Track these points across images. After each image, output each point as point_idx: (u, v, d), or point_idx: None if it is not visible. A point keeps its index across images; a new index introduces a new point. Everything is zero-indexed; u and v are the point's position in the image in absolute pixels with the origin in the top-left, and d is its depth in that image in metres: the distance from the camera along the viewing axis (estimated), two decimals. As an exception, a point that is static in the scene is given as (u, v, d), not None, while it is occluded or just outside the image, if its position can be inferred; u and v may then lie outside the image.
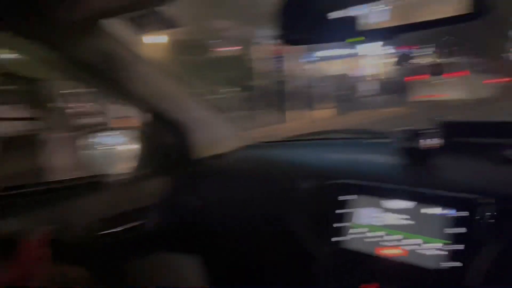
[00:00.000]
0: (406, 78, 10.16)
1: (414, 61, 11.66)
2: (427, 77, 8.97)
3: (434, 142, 0.81)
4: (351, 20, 0.69)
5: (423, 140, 0.81)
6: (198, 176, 1.09)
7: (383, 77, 13.67)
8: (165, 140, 1.09)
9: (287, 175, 0.94)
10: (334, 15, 0.71)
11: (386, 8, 0.68)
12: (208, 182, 1.07)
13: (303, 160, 1.02)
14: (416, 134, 0.82)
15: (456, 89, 8.74)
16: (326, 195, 0.83)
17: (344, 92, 11.99)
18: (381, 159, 0.91)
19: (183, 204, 1.05)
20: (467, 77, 8.88)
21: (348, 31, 0.70)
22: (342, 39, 0.75)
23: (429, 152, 0.82)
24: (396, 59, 13.35)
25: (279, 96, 10.61)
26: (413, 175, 0.81)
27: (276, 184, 0.95)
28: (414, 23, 0.65)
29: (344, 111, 9.91)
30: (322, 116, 9.48)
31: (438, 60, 10.39)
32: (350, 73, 14.48)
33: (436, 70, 9.13)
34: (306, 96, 10.74)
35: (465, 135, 0.93)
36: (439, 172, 0.81)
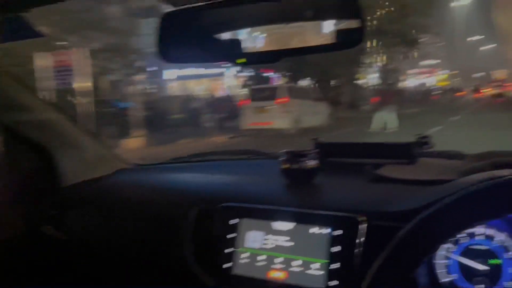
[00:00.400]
0: (239, 103, 10.62)
1: (260, 85, 11.98)
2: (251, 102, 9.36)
3: (313, 163, 0.88)
4: (233, 42, 0.72)
5: (303, 161, 0.87)
6: (65, 205, 0.96)
7: (221, 101, 13.44)
8: (24, 164, 0.93)
9: (167, 201, 0.91)
10: (218, 36, 0.74)
11: (265, 35, 0.75)
12: (77, 211, 0.95)
13: (185, 183, 1.00)
14: (297, 155, 0.87)
15: (280, 117, 8.99)
16: (210, 220, 0.82)
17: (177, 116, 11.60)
18: (265, 180, 0.95)
19: (46, 237, 0.92)
20: (288, 104, 9.20)
21: (230, 53, 0.73)
22: (223, 60, 0.79)
23: (309, 172, 0.88)
24: (243, 83, 13.71)
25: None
26: (295, 196, 0.86)
27: (155, 211, 0.90)
28: (290, 49, 0.72)
29: (160, 141, 8.38)
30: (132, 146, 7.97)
31: (273, 85, 11.47)
32: (192, 95, 14.15)
33: (267, 95, 9.53)
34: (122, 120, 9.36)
35: (342, 155, 1.04)
36: (319, 192, 0.88)
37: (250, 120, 9.39)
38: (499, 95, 29.12)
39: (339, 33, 0.67)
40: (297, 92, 10.41)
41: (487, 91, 32.25)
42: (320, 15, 0.70)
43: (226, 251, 0.78)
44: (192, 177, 1.07)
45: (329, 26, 0.70)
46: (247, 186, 0.95)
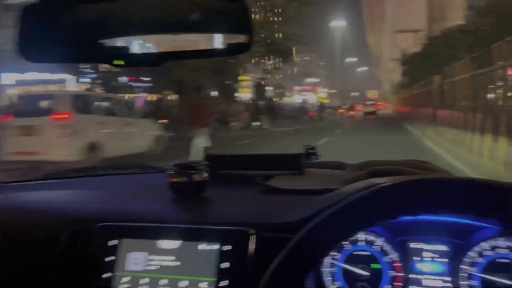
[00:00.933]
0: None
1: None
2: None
3: (203, 175, 0.85)
4: (110, 41, 0.69)
5: (192, 173, 0.84)
6: None
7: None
8: None
9: (35, 222, 0.82)
10: (93, 34, 0.68)
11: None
12: None
13: (57, 202, 0.91)
14: (186, 168, 0.84)
15: (53, 144, 6.01)
16: (85, 242, 0.76)
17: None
18: (151, 195, 0.91)
19: None
20: (71, 122, 6.26)
21: (105, 53, 0.69)
22: (97, 61, 0.81)
23: (198, 185, 0.86)
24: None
25: None
26: (183, 211, 0.83)
27: (20, 234, 0.81)
28: (175, 52, 0.69)
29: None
30: None
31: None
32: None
33: (38, 107, 6.41)
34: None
35: (233, 167, 1.07)
36: (208, 206, 0.85)
37: (13, 147, 6.15)
38: (372, 113, 35.02)
39: (228, 38, 0.69)
40: (99, 102, 7.22)
41: (361, 109, 39.02)
42: (208, 23, 0.69)
43: (104, 276, 0.72)
44: (66, 194, 0.99)
45: (217, 31, 0.72)
46: (130, 203, 0.90)
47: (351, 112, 38.84)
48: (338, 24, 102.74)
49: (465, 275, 0.74)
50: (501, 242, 0.73)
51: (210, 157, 1.07)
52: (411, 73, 25.95)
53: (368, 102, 40.40)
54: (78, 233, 0.80)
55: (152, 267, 0.73)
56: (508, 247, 0.73)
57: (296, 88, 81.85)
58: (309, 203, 0.78)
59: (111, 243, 0.75)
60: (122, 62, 0.68)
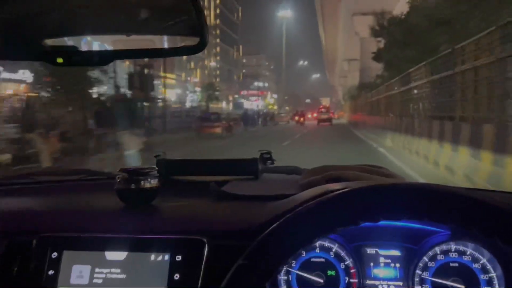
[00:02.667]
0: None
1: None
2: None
3: (153, 182, 0.88)
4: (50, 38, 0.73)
5: (142, 180, 0.87)
6: None
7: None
8: None
9: None
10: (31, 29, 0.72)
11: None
12: None
13: (1, 210, 0.92)
14: (135, 174, 0.87)
15: None
16: (24, 254, 0.78)
17: None
18: (98, 203, 0.94)
19: None
20: None
21: (45, 50, 0.73)
22: (35, 58, 0.81)
23: (148, 192, 0.89)
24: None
25: None
26: (132, 220, 0.86)
27: None
28: (125, 51, 0.74)
29: None
30: None
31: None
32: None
33: None
34: None
35: (186, 173, 1.13)
36: (159, 214, 0.89)
37: None
38: (326, 120, 37.65)
39: (181, 39, 0.74)
40: None
41: (311, 117, 45.11)
42: (161, 25, 0.75)
43: None
44: (5, 203, 0.99)
45: (170, 33, 0.77)
46: (75, 212, 0.92)
47: (300, 119, 39.17)
48: (284, 14, 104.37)
49: (417, 279, 0.84)
50: (452, 246, 0.85)
51: (161, 162, 1.11)
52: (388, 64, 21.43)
53: (323, 110, 43.50)
54: (16, 245, 0.81)
55: (98, 280, 0.75)
56: (457, 251, 0.85)
57: (243, 92, 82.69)
58: (264, 210, 0.84)
59: (53, 255, 0.76)
60: (60, 61, 0.71)
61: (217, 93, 39.64)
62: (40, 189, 1.17)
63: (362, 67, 39.92)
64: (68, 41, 0.75)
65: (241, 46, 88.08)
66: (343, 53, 62.43)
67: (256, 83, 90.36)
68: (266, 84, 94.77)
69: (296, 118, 40.66)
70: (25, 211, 0.95)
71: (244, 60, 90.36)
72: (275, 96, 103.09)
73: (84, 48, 0.72)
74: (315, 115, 51.76)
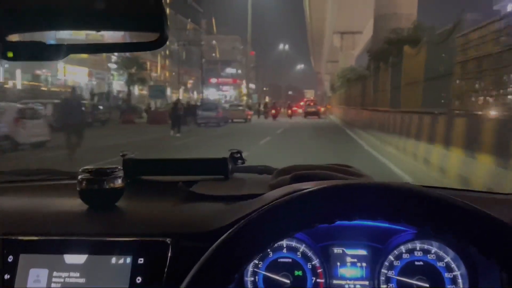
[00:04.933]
0: None
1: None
2: None
3: (117, 182, 0.98)
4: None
5: (105, 180, 0.97)
6: None
7: None
8: None
9: None
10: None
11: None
12: None
13: None
14: (98, 174, 0.97)
15: None
16: None
17: None
18: (59, 205, 1.03)
19: None
20: None
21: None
22: None
23: (111, 193, 0.99)
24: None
25: None
26: (93, 222, 0.96)
27: None
28: (80, 45, 0.81)
29: None
30: None
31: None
32: None
33: None
34: None
35: (152, 172, 1.26)
36: (122, 215, 0.99)
37: None
38: (313, 113, 41.58)
39: (140, 34, 0.82)
40: None
41: (294, 110, 45.48)
42: (119, 20, 0.84)
43: None
44: None
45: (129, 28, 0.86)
46: (34, 214, 1.01)
47: (272, 112, 38.19)
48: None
49: (383, 278, 0.98)
50: (417, 245, 0.99)
51: (128, 161, 1.22)
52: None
53: (311, 103, 47.07)
54: None
55: (56, 285, 0.86)
56: (422, 250, 0.99)
57: (213, 80, 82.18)
58: (231, 210, 0.96)
59: (9, 258, 0.86)
60: (10, 55, 0.79)
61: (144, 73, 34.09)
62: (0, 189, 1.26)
63: (380, 14, 26.87)
64: (20, 35, 0.84)
65: (214, 24, 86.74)
66: (333, 24, 57.00)
67: (228, 70, 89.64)
68: (240, 71, 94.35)
69: (264, 112, 39.92)
70: None
71: (214, 42, 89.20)
72: (252, 86, 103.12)
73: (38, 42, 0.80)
74: (299, 109, 53.72)
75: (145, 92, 40.99)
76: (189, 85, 68.11)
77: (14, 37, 0.83)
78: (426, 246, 0.99)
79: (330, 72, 71.35)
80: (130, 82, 32.72)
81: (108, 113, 27.59)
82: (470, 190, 1.20)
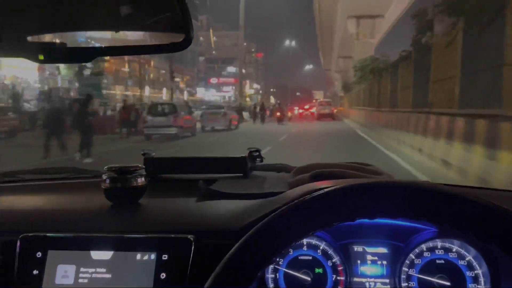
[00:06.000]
0: None
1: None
2: None
3: (140, 180, 1.11)
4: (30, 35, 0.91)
5: (129, 178, 1.09)
6: None
7: None
8: None
9: None
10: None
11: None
12: None
13: None
14: (122, 172, 1.09)
15: None
16: (8, 254, 0.98)
17: None
18: (85, 203, 1.16)
19: None
20: None
21: (24, 46, 0.90)
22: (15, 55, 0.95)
23: (135, 191, 1.11)
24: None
25: None
26: (118, 219, 1.08)
27: None
28: (108, 48, 0.96)
29: None
30: None
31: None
32: None
33: None
34: None
35: (174, 171, 1.41)
36: (145, 212, 1.11)
37: None
38: (327, 115, 39.89)
39: (166, 36, 0.93)
40: None
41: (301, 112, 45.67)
42: (145, 21, 0.93)
43: None
44: None
45: (155, 28, 0.95)
46: (62, 212, 1.13)
47: (277, 115, 35.22)
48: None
49: (404, 276, 1.07)
50: (438, 243, 1.08)
51: (149, 160, 1.36)
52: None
53: (324, 104, 46.26)
54: (1, 244, 1.02)
55: (83, 280, 0.96)
56: (444, 248, 1.08)
57: (213, 80, 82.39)
58: (251, 208, 1.07)
59: (38, 255, 0.97)
60: (41, 57, 0.90)
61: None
62: (26, 188, 1.40)
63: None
64: (51, 37, 0.95)
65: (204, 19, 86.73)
66: (346, 7, 48.38)
67: (230, 69, 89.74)
68: (243, 71, 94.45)
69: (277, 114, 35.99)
70: (10, 210, 1.16)
71: (215, 38, 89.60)
72: (256, 86, 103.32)
73: (68, 44, 0.91)
74: (306, 112, 53.34)
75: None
76: (181, 85, 68.06)
77: (43, 39, 0.94)
78: (447, 245, 1.08)
79: (342, 69, 69.40)
80: (80, 78, 27.27)
81: (19, 121, 21.48)
82: (492, 189, 1.29)
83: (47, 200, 1.26)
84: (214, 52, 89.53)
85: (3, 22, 0.91)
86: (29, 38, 0.92)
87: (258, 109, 38.73)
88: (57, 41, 0.94)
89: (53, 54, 0.92)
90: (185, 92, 67.69)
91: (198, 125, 24.79)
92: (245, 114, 39.70)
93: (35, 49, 0.92)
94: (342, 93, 61.73)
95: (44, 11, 0.93)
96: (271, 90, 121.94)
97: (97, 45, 0.95)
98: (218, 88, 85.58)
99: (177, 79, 62.14)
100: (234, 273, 0.73)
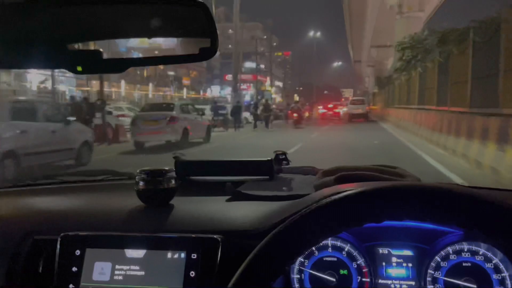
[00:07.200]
0: None
1: None
2: None
3: (171, 182, 1.30)
4: (69, 47, 1.09)
5: (160, 180, 1.28)
6: None
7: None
8: None
9: (1, 231, 1.26)
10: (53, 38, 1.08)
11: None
12: None
13: (20, 210, 1.37)
14: (154, 175, 1.28)
15: None
16: (49, 252, 1.18)
17: None
18: (119, 203, 1.36)
19: None
20: None
21: (64, 59, 1.08)
22: (55, 67, 1.37)
23: (166, 192, 1.31)
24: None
25: None
26: (150, 219, 1.27)
27: None
28: (141, 58, 1.12)
29: None
30: None
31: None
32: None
33: None
34: None
35: (202, 173, 1.64)
36: (176, 213, 1.30)
37: None
38: (361, 115, 37.37)
39: (196, 44, 1.07)
40: None
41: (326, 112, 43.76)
42: (171, 28, 1.12)
43: (70, 286, 1.14)
44: (31, 202, 1.45)
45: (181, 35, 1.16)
46: (97, 212, 1.34)
47: (294, 116, 31.26)
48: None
49: (429, 279, 1.19)
50: (465, 246, 1.19)
51: (179, 163, 1.58)
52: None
53: (357, 102, 42.69)
54: (41, 242, 1.22)
55: (118, 277, 1.14)
56: (470, 251, 1.19)
57: (229, 77, 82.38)
58: (279, 209, 1.23)
59: (77, 252, 1.16)
60: (80, 69, 1.06)
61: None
62: (64, 189, 1.63)
63: None
64: (87, 49, 1.14)
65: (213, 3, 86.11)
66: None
67: (248, 64, 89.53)
68: (262, 66, 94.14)
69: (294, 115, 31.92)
70: (50, 210, 1.37)
71: (230, 31, 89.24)
72: (279, 84, 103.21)
73: (103, 56, 1.07)
74: (329, 112, 49.69)
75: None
76: (184, 81, 68.06)
77: (80, 50, 1.13)
78: (474, 248, 1.19)
79: (375, 61, 66.22)
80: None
81: None
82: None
83: (85, 201, 1.48)
84: (230, 46, 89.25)
85: (43, 35, 1.08)
86: (66, 51, 1.09)
87: (260, 109, 31.83)
88: (94, 51, 1.11)
89: (90, 65, 1.09)
90: (186, 90, 67.44)
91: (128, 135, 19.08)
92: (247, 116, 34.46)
93: (73, 61, 1.09)
94: (376, 89, 57.24)
95: (80, 22, 1.11)
96: (298, 88, 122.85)
97: (134, 55, 1.14)
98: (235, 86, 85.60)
99: (171, 73, 61.25)
100: (258, 271, 0.82)
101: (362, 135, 22.25)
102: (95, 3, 1.08)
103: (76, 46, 1.12)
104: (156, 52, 1.16)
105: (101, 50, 1.11)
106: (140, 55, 1.16)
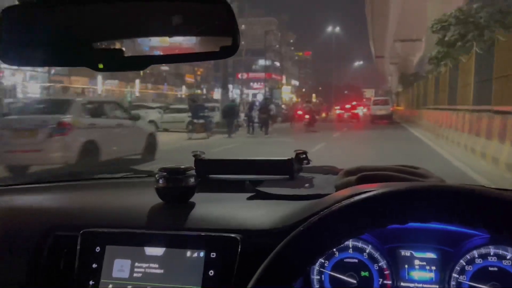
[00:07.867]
0: None
1: None
2: None
3: (191, 180, 1.38)
4: (91, 45, 1.18)
5: (180, 179, 1.36)
6: None
7: None
8: None
9: (15, 227, 1.35)
10: (72, 36, 1.17)
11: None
12: None
13: (41, 207, 1.46)
14: (174, 173, 1.36)
15: None
16: (69, 248, 1.27)
17: None
18: (139, 201, 1.45)
19: None
20: None
21: (85, 56, 1.17)
22: (77, 64, 1.28)
23: (186, 191, 1.39)
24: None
25: None
26: (170, 217, 1.36)
27: (6, 240, 1.32)
28: (161, 56, 1.30)
29: None
30: None
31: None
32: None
33: None
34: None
35: (222, 172, 1.72)
36: (195, 211, 1.37)
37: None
38: (385, 117, 36.64)
39: (217, 42, 1.13)
40: None
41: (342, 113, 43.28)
42: (192, 25, 1.18)
43: (90, 283, 1.21)
44: (52, 199, 1.55)
45: (202, 33, 1.21)
46: (117, 209, 1.43)
47: (306, 118, 29.06)
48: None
49: (453, 283, 1.22)
50: (491, 250, 1.21)
51: (199, 161, 1.66)
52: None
53: (381, 102, 41.26)
54: (62, 239, 1.30)
55: (137, 275, 1.22)
56: (496, 255, 1.21)
57: (241, 75, 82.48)
58: (299, 209, 1.29)
59: (97, 249, 1.24)
60: (101, 66, 1.14)
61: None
62: (85, 186, 1.71)
63: None
64: (108, 47, 1.21)
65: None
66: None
67: (261, 62, 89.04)
68: (277, 63, 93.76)
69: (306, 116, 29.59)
70: (71, 207, 1.46)
71: (243, 27, 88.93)
72: (295, 82, 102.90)
73: (124, 54, 1.15)
74: (347, 112, 48.24)
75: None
76: (187, 78, 67.74)
77: (102, 48, 1.20)
78: (501, 252, 1.21)
79: (400, 56, 64.77)
80: None
81: None
82: None
83: (105, 198, 1.57)
84: (242, 42, 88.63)
85: (67, 34, 1.16)
86: (88, 49, 1.17)
87: (256, 111, 27.86)
88: (115, 49, 1.19)
89: (111, 63, 1.17)
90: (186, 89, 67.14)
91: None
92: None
93: (95, 58, 1.17)
94: (400, 88, 56.32)
95: (102, 21, 1.18)
96: (318, 88, 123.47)
97: (155, 53, 1.22)
98: (248, 85, 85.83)
99: (165, 67, 59.93)
100: (278, 271, 0.85)
101: (390, 147, 17.47)
102: (117, 1, 1.15)
103: (98, 44, 1.19)
104: (177, 50, 1.23)
105: (122, 48, 1.18)
106: (160, 53, 1.24)
